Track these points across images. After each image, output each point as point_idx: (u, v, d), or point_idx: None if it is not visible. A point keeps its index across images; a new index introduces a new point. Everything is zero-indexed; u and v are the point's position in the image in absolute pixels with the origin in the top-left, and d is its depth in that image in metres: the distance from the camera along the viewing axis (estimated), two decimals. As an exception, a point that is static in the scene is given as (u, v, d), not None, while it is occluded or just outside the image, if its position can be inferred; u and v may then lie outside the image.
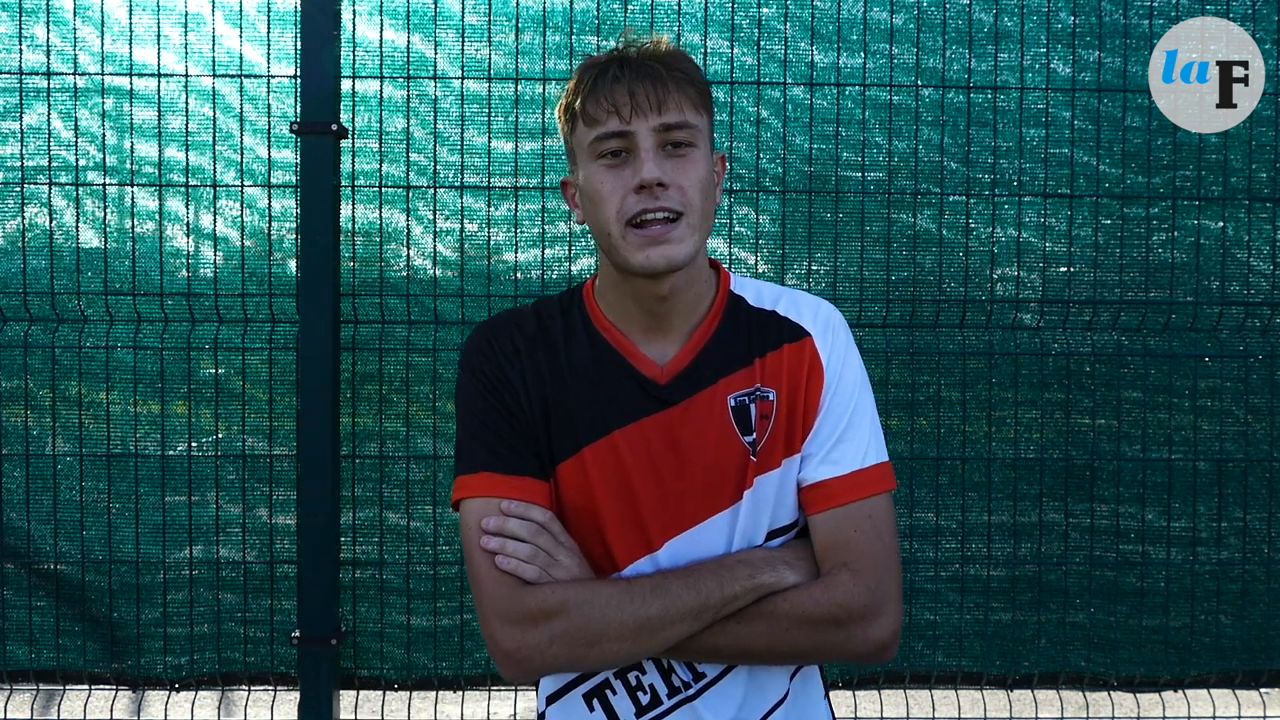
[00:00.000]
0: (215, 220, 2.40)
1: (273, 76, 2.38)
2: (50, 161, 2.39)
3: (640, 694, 1.24)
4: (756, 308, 1.30)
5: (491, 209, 2.43)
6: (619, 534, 1.22)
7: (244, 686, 2.46)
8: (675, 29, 2.42)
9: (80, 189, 2.39)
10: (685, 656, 1.21)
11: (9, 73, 2.39)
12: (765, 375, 1.25)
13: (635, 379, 1.24)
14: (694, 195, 1.19)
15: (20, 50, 2.39)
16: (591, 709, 1.26)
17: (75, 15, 2.39)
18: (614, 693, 1.25)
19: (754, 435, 1.23)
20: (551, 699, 1.29)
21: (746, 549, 1.22)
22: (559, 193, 2.42)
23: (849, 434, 1.24)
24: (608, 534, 1.22)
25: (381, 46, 2.40)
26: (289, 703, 2.46)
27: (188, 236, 2.41)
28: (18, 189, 2.39)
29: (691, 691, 1.23)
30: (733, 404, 1.24)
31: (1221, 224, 2.48)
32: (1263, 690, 2.53)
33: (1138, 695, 2.51)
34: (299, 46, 2.31)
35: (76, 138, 2.39)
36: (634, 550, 1.22)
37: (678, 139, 1.19)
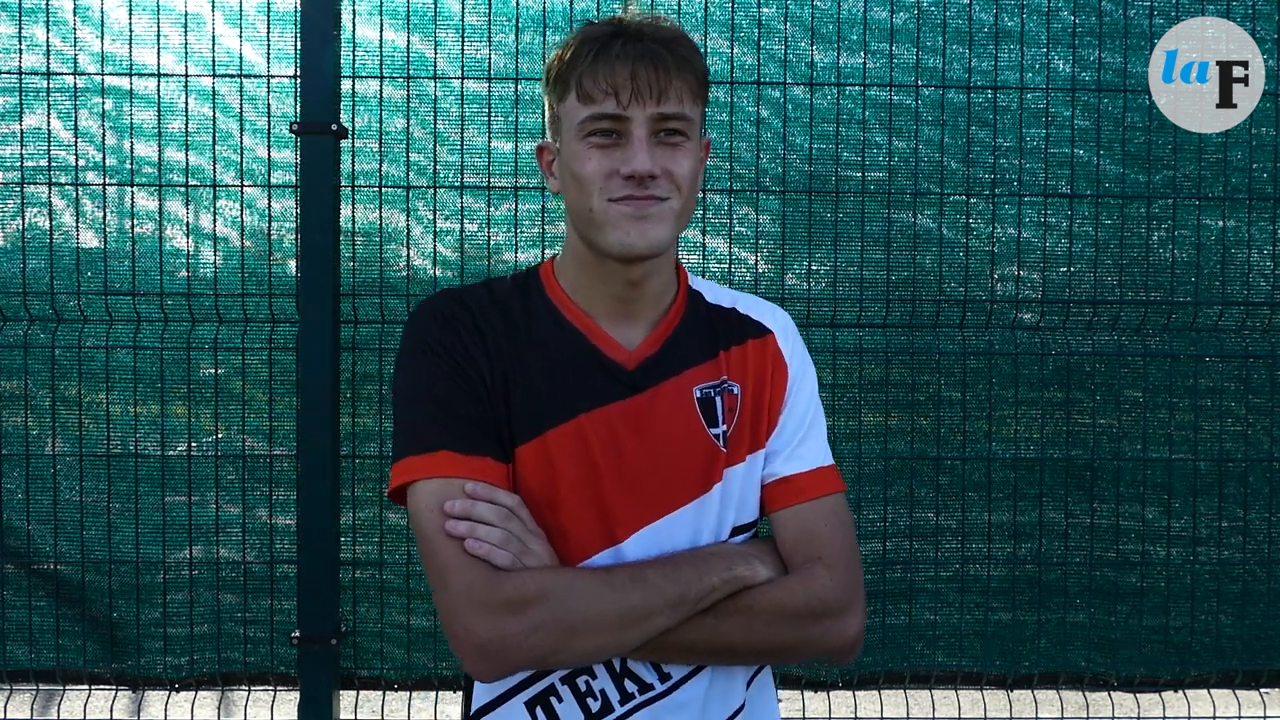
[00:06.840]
0: (215, 221, 2.40)
1: (272, 77, 2.38)
2: (50, 162, 2.39)
3: (590, 700, 1.16)
4: (714, 304, 1.30)
5: (491, 209, 2.43)
6: (581, 523, 1.15)
7: (244, 686, 2.46)
8: (675, 29, 2.42)
9: (80, 189, 2.39)
10: (659, 655, 1.15)
11: (9, 73, 2.39)
12: (730, 369, 1.24)
13: (602, 363, 1.20)
14: (680, 185, 1.16)
15: (20, 51, 2.38)
16: (534, 718, 1.17)
17: (75, 14, 2.39)
18: (560, 700, 1.16)
19: (721, 427, 1.21)
20: (484, 710, 1.19)
21: (716, 543, 1.19)
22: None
23: (811, 432, 1.26)
24: (569, 522, 1.15)
25: (381, 47, 2.40)
26: (289, 703, 2.46)
27: (187, 237, 2.40)
28: (18, 189, 2.39)
29: (651, 695, 1.16)
30: (699, 395, 1.21)
31: (1222, 223, 2.48)
32: (1263, 690, 2.53)
33: (1138, 695, 2.51)
34: (299, 47, 2.31)
35: (76, 138, 2.39)
36: (595, 541, 1.16)
37: (671, 128, 1.15)
